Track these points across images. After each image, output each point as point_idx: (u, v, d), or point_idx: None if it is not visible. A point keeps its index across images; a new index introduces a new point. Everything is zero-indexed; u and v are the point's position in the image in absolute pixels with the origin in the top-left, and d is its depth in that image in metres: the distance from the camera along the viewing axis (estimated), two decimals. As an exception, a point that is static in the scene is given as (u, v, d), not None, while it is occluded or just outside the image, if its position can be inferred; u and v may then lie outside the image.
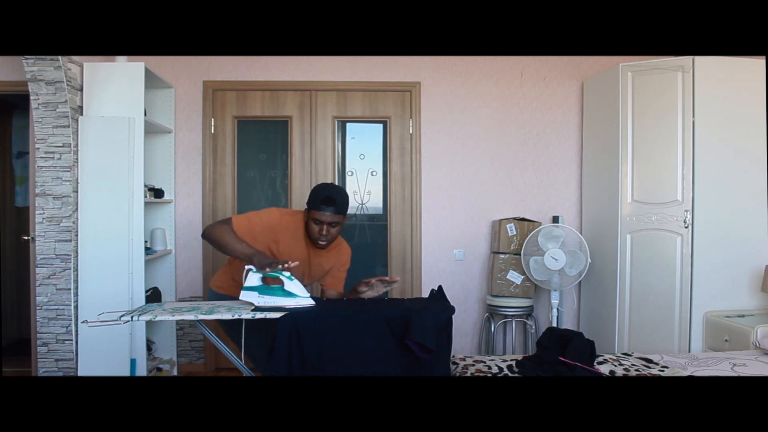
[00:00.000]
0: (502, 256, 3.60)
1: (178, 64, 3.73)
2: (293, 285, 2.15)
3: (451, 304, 2.18)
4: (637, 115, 3.31)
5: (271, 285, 2.16)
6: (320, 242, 2.31)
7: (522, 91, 3.86)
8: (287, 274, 2.14)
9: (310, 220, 2.29)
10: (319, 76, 3.79)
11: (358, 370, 2.01)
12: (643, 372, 2.23)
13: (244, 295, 2.15)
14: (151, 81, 3.37)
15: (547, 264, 3.38)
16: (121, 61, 3.22)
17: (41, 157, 2.98)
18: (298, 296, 2.14)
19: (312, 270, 2.44)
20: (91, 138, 3.06)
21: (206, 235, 2.29)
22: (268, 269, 2.09)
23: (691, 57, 3.12)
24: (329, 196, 2.26)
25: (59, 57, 2.87)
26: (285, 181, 3.84)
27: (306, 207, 2.35)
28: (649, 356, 2.48)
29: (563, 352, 2.24)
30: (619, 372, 2.23)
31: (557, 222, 3.70)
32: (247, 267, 2.15)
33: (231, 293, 2.41)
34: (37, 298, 3.00)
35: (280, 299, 2.13)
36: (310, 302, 2.15)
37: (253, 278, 2.14)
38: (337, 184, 3.55)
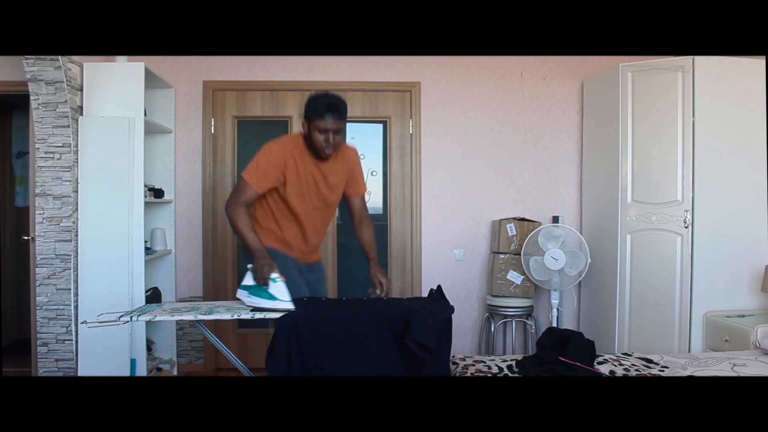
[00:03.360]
0: (502, 256, 3.60)
1: (178, 64, 3.73)
2: (276, 288, 2.11)
3: (451, 304, 2.18)
4: (637, 115, 3.31)
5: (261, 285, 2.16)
6: (327, 151, 2.27)
7: (522, 91, 3.86)
8: (276, 277, 2.10)
9: (314, 130, 2.24)
10: (319, 76, 3.78)
11: (357, 370, 2.00)
12: (643, 372, 2.23)
13: (238, 293, 2.19)
14: (151, 81, 3.37)
15: (547, 264, 3.38)
16: (121, 61, 3.22)
17: (41, 157, 2.98)
18: (279, 300, 2.09)
19: (330, 188, 2.40)
20: (91, 138, 3.06)
21: (228, 215, 2.25)
22: (262, 281, 2.10)
23: (691, 57, 3.12)
24: (332, 104, 2.23)
25: (59, 57, 2.87)
26: (285, 181, 3.84)
27: (304, 120, 2.29)
28: (649, 356, 2.48)
29: (563, 352, 2.24)
30: (619, 372, 2.23)
31: (557, 222, 3.70)
32: (248, 266, 2.16)
33: (279, 246, 2.37)
34: (37, 298, 3.00)
35: (263, 301, 2.11)
36: (290, 306, 2.09)
37: (249, 278, 2.15)
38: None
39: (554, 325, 3.51)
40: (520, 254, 3.52)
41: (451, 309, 2.11)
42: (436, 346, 2.00)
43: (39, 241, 2.99)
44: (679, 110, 3.17)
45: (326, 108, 2.22)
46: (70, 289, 3.00)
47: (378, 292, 2.35)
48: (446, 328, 2.09)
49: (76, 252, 3.03)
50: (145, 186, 3.24)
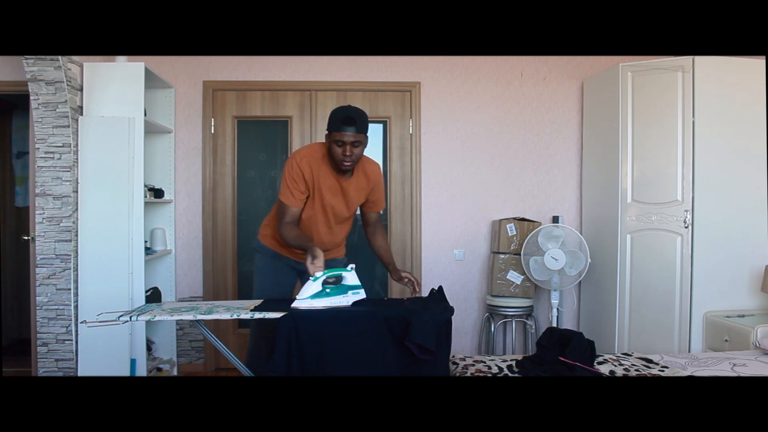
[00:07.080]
0: (502, 256, 3.60)
1: (178, 64, 3.73)
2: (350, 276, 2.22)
3: (451, 304, 2.18)
4: (637, 115, 3.31)
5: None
6: (345, 163, 2.29)
7: (522, 91, 3.86)
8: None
9: (333, 143, 2.27)
10: (319, 76, 3.78)
11: (357, 371, 2.00)
12: (643, 372, 2.23)
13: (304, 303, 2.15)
14: (151, 81, 3.37)
15: (547, 264, 3.38)
16: (121, 61, 3.22)
17: (41, 157, 2.98)
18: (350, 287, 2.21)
19: (347, 203, 2.44)
20: (91, 138, 3.06)
21: (283, 239, 2.37)
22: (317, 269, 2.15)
23: (691, 57, 3.11)
24: (349, 116, 2.24)
25: (59, 57, 2.87)
26: (285, 181, 3.84)
27: (327, 131, 2.32)
28: (649, 356, 2.48)
29: (563, 352, 2.24)
30: (619, 372, 2.23)
31: (557, 222, 3.70)
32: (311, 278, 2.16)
33: (273, 247, 2.52)
34: (37, 298, 3.00)
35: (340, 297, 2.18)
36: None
37: (311, 286, 2.15)
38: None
39: (554, 325, 3.51)
40: (520, 254, 3.52)
41: (451, 310, 2.11)
42: (436, 348, 2.00)
43: (39, 241, 2.99)
44: (679, 110, 3.17)
45: (342, 120, 2.23)
46: (70, 289, 3.00)
47: (417, 288, 2.43)
48: (446, 330, 2.09)
49: (76, 252, 3.04)
50: (145, 186, 3.24)
